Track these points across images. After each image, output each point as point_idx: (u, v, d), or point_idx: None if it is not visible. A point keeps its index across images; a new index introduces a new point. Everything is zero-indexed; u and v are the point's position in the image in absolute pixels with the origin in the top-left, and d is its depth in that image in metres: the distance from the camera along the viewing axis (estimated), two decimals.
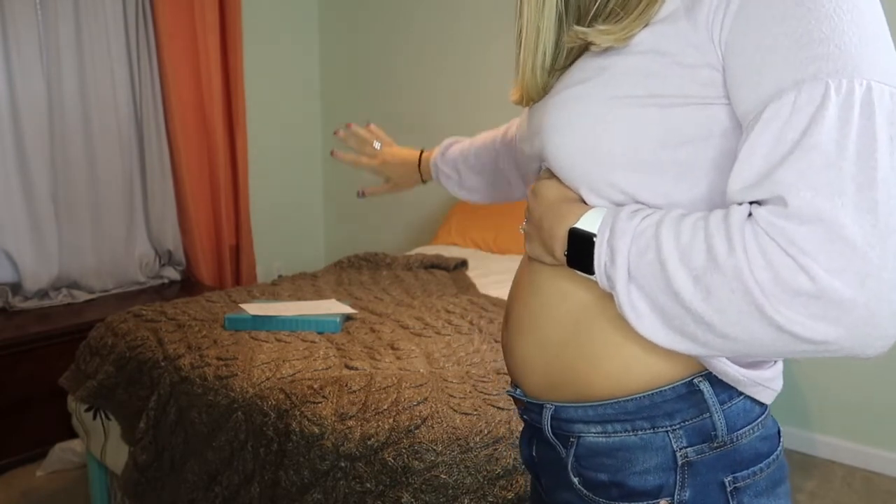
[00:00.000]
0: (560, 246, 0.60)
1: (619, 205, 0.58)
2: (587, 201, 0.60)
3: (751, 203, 0.50)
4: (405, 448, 1.15)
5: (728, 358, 0.59)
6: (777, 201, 0.47)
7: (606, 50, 0.59)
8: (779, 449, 0.63)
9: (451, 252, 2.69)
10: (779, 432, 0.64)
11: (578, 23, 0.62)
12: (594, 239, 0.56)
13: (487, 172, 1.03)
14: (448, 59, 3.27)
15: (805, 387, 2.45)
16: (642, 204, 0.57)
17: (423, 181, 1.11)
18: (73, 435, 2.32)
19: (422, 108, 3.42)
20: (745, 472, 0.60)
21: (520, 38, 0.66)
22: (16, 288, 2.66)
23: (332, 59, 3.75)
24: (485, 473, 1.12)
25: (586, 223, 0.57)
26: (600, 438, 0.63)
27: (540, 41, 0.64)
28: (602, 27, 0.58)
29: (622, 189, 0.58)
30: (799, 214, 0.45)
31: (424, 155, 1.10)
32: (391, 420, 1.21)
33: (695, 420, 0.59)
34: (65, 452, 2.29)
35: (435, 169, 1.08)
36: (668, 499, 0.60)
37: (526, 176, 0.96)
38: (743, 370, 0.59)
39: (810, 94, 0.47)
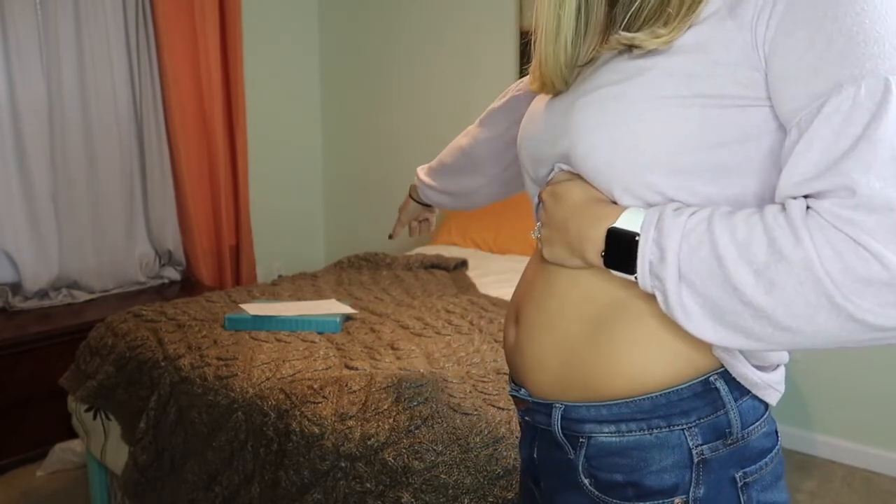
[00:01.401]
0: (593, 247, 0.59)
1: (653, 205, 0.58)
2: (620, 202, 0.60)
3: (805, 197, 0.50)
4: (405, 448, 1.15)
5: (750, 362, 0.61)
6: (842, 192, 0.48)
7: (646, 52, 0.59)
8: (779, 444, 0.65)
9: (451, 252, 2.68)
10: (776, 429, 0.66)
11: (589, 21, 0.63)
12: (636, 238, 0.56)
13: (467, 172, 1.08)
14: (448, 58, 3.27)
15: (805, 387, 2.45)
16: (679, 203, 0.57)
17: (425, 204, 1.20)
18: (73, 435, 2.32)
19: (422, 108, 3.42)
20: (753, 467, 0.61)
21: (538, 25, 0.67)
22: (16, 288, 2.66)
23: (332, 59, 3.75)
24: (485, 473, 1.12)
25: (626, 222, 0.57)
26: (613, 438, 0.62)
27: (561, 30, 0.64)
28: (650, 31, 0.58)
29: (658, 189, 0.57)
30: (868, 204, 0.46)
31: (411, 188, 1.20)
32: (391, 420, 1.21)
33: (709, 417, 0.60)
34: (65, 452, 2.29)
35: (422, 190, 1.15)
36: (682, 497, 0.60)
37: (514, 178, 1.04)
38: (759, 373, 0.61)
39: (870, 90, 0.48)
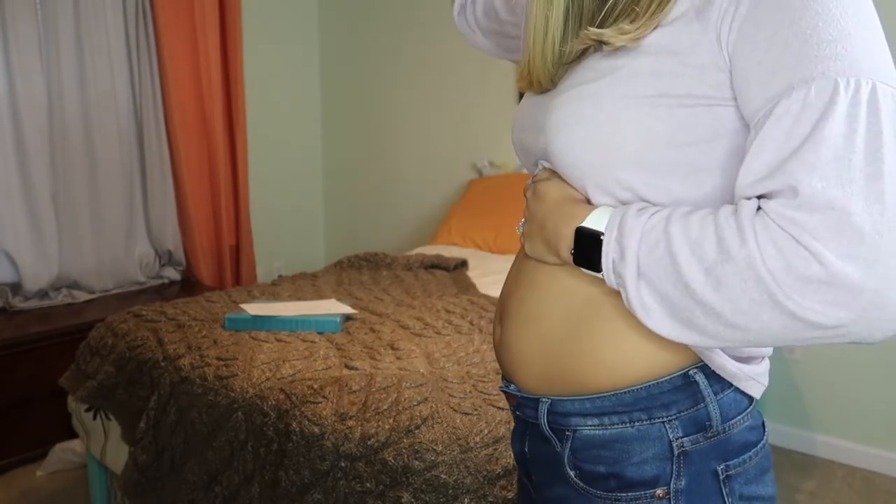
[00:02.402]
0: (566, 245, 0.61)
1: (625, 203, 0.59)
2: (593, 199, 0.62)
3: (759, 198, 0.51)
4: (405, 448, 1.15)
5: (726, 353, 0.62)
6: (787, 192, 0.49)
7: (617, 50, 0.60)
8: (765, 438, 0.65)
9: (451, 252, 2.68)
10: (763, 423, 0.67)
11: (582, 22, 0.64)
12: (601, 237, 0.57)
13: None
14: (449, 59, 3.27)
15: (805, 387, 2.45)
16: (647, 202, 0.59)
17: None
18: (73, 435, 2.32)
19: (422, 108, 3.42)
20: (736, 461, 0.62)
21: (528, 25, 0.67)
22: (16, 288, 2.66)
23: (332, 58, 3.75)
24: (485, 473, 1.12)
25: (593, 222, 0.59)
26: (597, 431, 0.64)
27: (549, 30, 0.65)
28: (617, 27, 0.59)
29: (629, 186, 0.59)
30: (810, 204, 0.47)
31: None
32: (391, 420, 1.21)
33: (690, 410, 0.61)
34: (65, 452, 2.29)
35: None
36: (664, 488, 0.61)
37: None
38: (738, 364, 0.62)
39: (820, 91, 0.48)
